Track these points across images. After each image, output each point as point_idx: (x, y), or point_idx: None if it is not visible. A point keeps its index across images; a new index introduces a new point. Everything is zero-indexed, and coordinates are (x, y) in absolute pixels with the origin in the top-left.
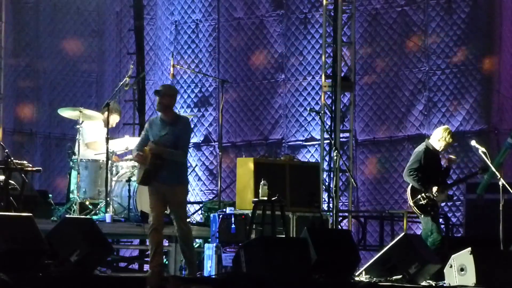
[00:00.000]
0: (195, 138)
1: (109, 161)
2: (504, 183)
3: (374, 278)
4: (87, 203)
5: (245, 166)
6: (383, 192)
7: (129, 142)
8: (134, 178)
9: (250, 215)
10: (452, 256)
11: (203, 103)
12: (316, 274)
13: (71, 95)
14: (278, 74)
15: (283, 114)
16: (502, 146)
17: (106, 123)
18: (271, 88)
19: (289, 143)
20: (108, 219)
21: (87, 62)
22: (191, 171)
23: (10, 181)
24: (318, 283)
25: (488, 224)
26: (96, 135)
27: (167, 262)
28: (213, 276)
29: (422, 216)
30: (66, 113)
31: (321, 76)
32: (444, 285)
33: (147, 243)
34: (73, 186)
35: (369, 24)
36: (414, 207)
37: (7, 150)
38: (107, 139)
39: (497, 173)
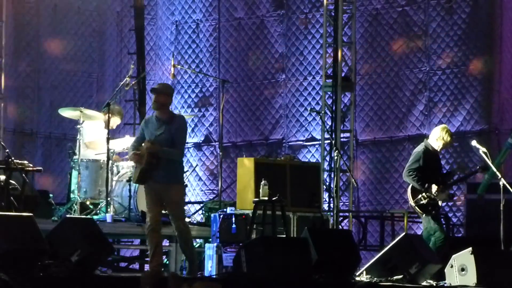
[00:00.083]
0: (196, 138)
1: (110, 161)
2: (505, 183)
3: (375, 278)
4: (88, 203)
5: (246, 166)
6: (384, 192)
7: (130, 142)
8: None
9: (251, 215)
10: (453, 256)
11: (204, 103)
12: (316, 274)
13: (72, 95)
14: (278, 74)
15: (283, 114)
16: (503, 146)
17: (107, 123)
18: (272, 88)
19: (289, 143)
20: (108, 219)
21: (87, 62)
22: (192, 171)
23: (10, 181)
24: (318, 283)
25: (488, 224)
26: (95, 135)
27: (167, 262)
28: (214, 276)
29: (424, 215)
30: (67, 113)
31: (321, 76)
32: (445, 285)
33: (147, 244)
34: (73, 186)
35: (369, 24)
36: (415, 207)
37: (7, 150)
38: (108, 139)
39: (497, 173)
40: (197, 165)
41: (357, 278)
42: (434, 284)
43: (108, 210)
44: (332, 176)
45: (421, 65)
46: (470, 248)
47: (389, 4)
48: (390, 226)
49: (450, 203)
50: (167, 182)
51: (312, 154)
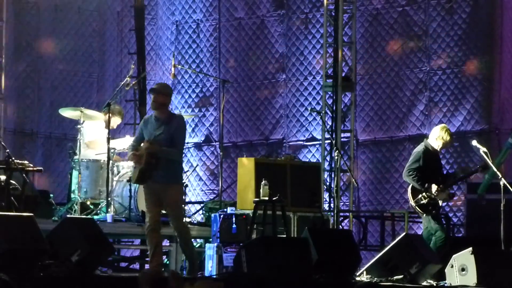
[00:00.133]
0: (196, 138)
1: (110, 161)
2: (505, 183)
3: (375, 278)
4: (88, 203)
5: (246, 166)
6: (384, 192)
7: (130, 142)
8: None
9: (251, 215)
10: (453, 256)
11: (204, 103)
12: (317, 274)
13: (72, 95)
14: (279, 74)
15: (284, 114)
16: (503, 146)
17: (107, 123)
18: (272, 88)
19: (290, 143)
20: (109, 219)
21: (88, 62)
22: (192, 171)
23: (11, 181)
24: (319, 283)
25: (489, 224)
26: (96, 135)
27: (168, 262)
28: (214, 276)
29: (424, 215)
30: (67, 113)
31: (322, 76)
32: (445, 285)
33: (147, 244)
34: (74, 186)
35: (370, 24)
36: (416, 207)
37: (8, 150)
38: (108, 139)
39: (498, 173)
40: (197, 165)
41: (358, 278)
42: (435, 284)
43: (109, 210)
44: (333, 176)
45: (422, 65)
46: (471, 248)
47: (390, 4)
48: (391, 226)
49: (450, 203)
50: (166, 182)
51: (313, 154)
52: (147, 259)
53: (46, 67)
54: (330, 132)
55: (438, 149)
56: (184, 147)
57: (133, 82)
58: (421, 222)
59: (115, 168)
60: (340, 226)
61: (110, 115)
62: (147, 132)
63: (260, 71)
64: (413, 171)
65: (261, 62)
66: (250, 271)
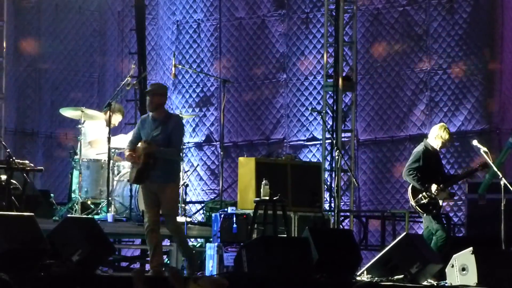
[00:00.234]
0: (197, 138)
1: (111, 161)
2: (506, 182)
3: (376, 278)
4: (89, 202)
5: (247, 166)
6: (385, 191)
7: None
8: None
9: (252, 214)
10: (454, 256)
11: (205, 103)
12: (317, 274)
13: (73, 95)
14: (279, 74)
15: (284, 113)
16: (504, 146)
17: (108, 123)
18: (273, 88)
19: (290, 143)
20: (109, 219)
21: (88, 62)
22: (193, 171)
23: (12, 180)
24: (319, 282)
25: (489, 224)
26: (97, 134)
27: (168, 262)
28: (215, 276)
29: (425, 215)
30: (68, 113)
31: (322, 75)
32: (446, 285)
33: (147, 244)
34: (74, 186)
35: (370, 23)
36: (416, 207)
37: (8, 150)
38: (109, 139)
39: (498, 172)
40: (198, 164)
41: (358, 278)
42: (435, 284)
43: (109, 209)
44: (333, 175)
45: (422, 65)
46: (471, 248)
47: (390, 3)
48: (391, 226)
49: (451, 203)
50: (163, 182)
51: (313, 154)
52: (147, 258)
53: (46, 67)
54: (331, 132)
55: (438, 149)
56: (184, 146)
57: (134, 82)
58: (421, 222)
59: (115, 168)
60: (341, 226)
61: (111, 113)
62: (144, 132)
63: (260, 71)
64: (413, 170)
65: (262, 61)
66: (251, 270)
